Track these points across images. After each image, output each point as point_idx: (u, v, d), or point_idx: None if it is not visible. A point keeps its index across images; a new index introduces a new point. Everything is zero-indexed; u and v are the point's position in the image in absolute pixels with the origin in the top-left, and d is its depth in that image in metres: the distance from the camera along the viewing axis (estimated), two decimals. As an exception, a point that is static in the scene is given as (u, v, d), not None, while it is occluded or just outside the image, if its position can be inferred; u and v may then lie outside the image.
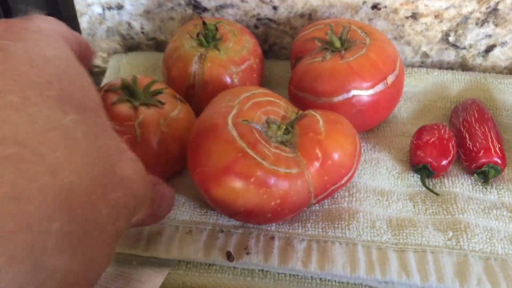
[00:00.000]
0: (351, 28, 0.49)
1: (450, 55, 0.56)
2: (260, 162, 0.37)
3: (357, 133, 0.42)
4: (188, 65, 0.49)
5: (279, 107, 0.42)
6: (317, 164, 0.39)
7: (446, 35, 0.54)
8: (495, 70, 0.56)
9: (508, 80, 0.53)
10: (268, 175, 0.37)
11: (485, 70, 0.56)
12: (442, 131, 0.46)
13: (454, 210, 0.42)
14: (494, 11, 0.52)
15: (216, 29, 0.50)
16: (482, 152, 0.45)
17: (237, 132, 0.38)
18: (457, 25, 0.53)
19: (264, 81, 0.55)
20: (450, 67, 0.57)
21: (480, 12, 0.52)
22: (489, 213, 0.43)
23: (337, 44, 0.48)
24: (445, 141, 0.46)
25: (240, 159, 0.37)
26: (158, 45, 0.60)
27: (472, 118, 0.48)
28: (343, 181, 0.40)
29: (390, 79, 0.47)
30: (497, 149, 0.45)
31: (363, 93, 0.46)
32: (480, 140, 0.46)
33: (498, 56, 0.55)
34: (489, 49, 0.55)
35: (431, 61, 0.57)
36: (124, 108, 0.42)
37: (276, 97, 0.43)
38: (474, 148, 0.46)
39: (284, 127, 0.40)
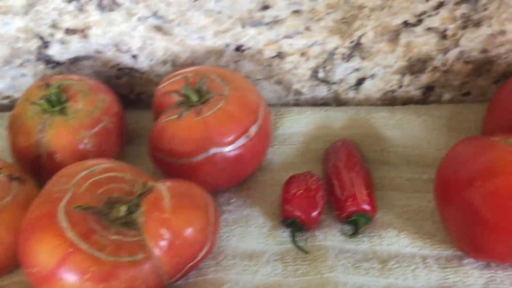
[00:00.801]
0: (209, 78, 0.46)
1: (323, 91, 0.54)
2: (96, 255, 0.33)
3: (212, 202, 0.39)
4: (32, 134, 0.44)
5: (125, 182, 0.38)
6: (165, 245, 0.35)
7: (315, 72, 0.53)
8: (368, 101, 0.55)
9: (379, 113, 0.52)
10: (107, 269, 0.33)
11: (359, 103, 0.55)
12: (310, 181, 0.44)
13: (324, 269, 0.40)
14: (358, 45, 0.50)
15: (62, 91, 0.45)
16: (350, 200, 0.43)
17: (68, 222, 0.34)
18: (324, 61, 0.52)
19: (131, 136, 0.51)
20: (324, 102, 0.55)
21: (345, 47, 0.51)
22: (360, 267, 0.41)
23: (194, 98, 0.45)
24: (312, 192, 0.44)
25: (71, 254, 0.33)
26: (15, 104, 0.55)
27: (340, 163, 0.46)
28: (198, 258, 0.37)
29: (253, 130, 0.44)
30: (364, 196, 0.43)
31: (224, 149, 0.43)
32: (347, 187, 0.44)
33: (370, 88, 0.54)
34: (360, 82, 0.54)
35: (305, 98, 0.55)
36: None
37: (122, 169, 0.39)
38: (342, 196, 0.44)
39: (125, 208, 0.36)
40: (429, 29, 0.49)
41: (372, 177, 0.47)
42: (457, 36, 0.50)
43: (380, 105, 0.55)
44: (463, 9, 0.48)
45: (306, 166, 0.49)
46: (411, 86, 0.54)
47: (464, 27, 0.49)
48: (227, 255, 0.42)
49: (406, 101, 0.55)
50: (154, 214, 0.36)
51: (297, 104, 0.55)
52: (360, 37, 0.50)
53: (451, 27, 0.49)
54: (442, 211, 0.41)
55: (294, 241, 0.42)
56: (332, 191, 0.45)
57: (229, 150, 0.43)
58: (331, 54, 0.51)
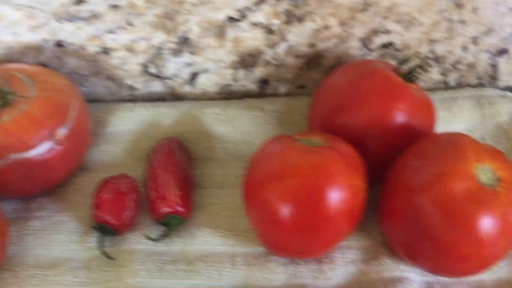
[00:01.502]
0: (15, 78, 0.43)
1: (158, 86, 0.53)
2: None
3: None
4: None
5: None
6: None
7: (145, 67, 0.51)
8: (207, 96, 0.54)
9: (211, 109, 0.52)
10: None
11: (197, 97, 0.54)
12: (122, 184, 0.43)
13: (126, 274, 0.40)
14: (185, 40, 0.49)
15: None
16: (161, 202, 0.43)
17: None
18: (154, 56, 0.50)
19: None
20: (161, 97, 0.54)
21: (172, 42, 0.49)
22: (165, 270, 0.41)
23: (-7, 100, 0.42)
24: (123, 196, 0.43)
25: None
26: None
27: (157, 164, 0.45)
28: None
29: (61, 133, 0.43)
30: (177, 197, 0.43)
31: (25, 155, 0.41)
32: (160, 189, 0.43)
33: (205, 83, 0.53)
34: (194, 76, 0.53)
35: (141, 93, 0.53)
36: None
37: None
38: (155, 198, 0.43)
39: None
40: (254, 24, 0.49)
41: (191, 176, 0.47)
42: (283, 31, 0.49)
43: (218, 99, 0.54)
44: (285, 4, 0.48)
45: (134, 166, 0.48)
46: (247, 80, 0.54)
47: (288, 22, 0.49)
48: (27, 265, 0.40)
49: (244, 95, 0.55)
50: None
51: (133, 100, 0.54)
52: (185, 32, 0.49)
53: (276, 23, 0.49)
54: (247, 209, 0.41)
55: (100, 247, 0.41)
56: (148, 193, 0.44)
57: (32, 155, 0.41)
58: (159, 49, 0.50)
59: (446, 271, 0.40)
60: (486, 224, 0.36)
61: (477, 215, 0.36)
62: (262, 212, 0.39)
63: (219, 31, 0.49)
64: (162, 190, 0.43)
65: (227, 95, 0.55)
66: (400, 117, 0.43)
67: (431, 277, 0.42)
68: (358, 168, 0.40)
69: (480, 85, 0.57)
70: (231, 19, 0.48)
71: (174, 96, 0.54)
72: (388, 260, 0.42)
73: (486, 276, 0.42)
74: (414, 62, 0.46)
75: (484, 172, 0.37)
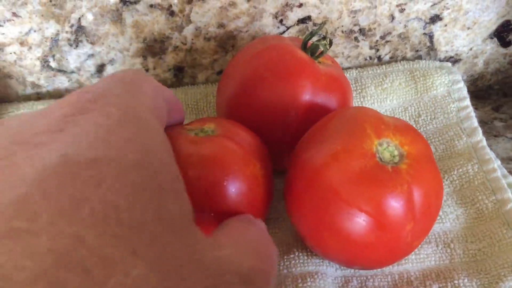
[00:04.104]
0: None
1: (64, 82, 0.49)
2: None
3: None
4: None
5: None
6: None
7: (45, 61, 0.48)
8: (119, 89, 0.51)
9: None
10: None
11: (108, 91, 0.51)
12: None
13: None
14: (80, 29, 0.45)
15: None
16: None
17: None
18: (50, 49, 0.47)
19: None
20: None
21: (67, 32, 0.46)
22: None
23: None
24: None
25: None
26: None
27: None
28: None
29: None
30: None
31: None
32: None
33: (114, 75, 0.50)
34: (100, 69, 0.49)
35: (47, 90, 0.50)
36: None
37: None
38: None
39: None
40: (151, 6, 0.45)
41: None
42: (185, 11, 0.45)
43: (132, 92, 0.51)
44: (183, -19, 0.44)
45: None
46: (159, 69, 0.50)
47: (189, 1, 0.45)
48: None
49: (160, 85, 0.51)
50: None
51: (40, 98, 0.50)
52: (79, 20, 0.45)
53: (176, 3, 0.45)
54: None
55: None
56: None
57: None
58: (55, 40, 0.46)
59: (356, 262, 0.35)
60: (386, 206, 0.31)
61: (374, 196, 0.31)
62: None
63: (116, 16, 0.45)
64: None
65: (140, 87, 0.51)
66: (303, 95, 0.39)
67: (349, 271, 0.38)
68: (256, 155, 0.35)
69: (419, 58, 0.52)
70: (125, 2, 0.44)
71: (83, 92, 0.51)
72: (302, 254, 0.38)
73: (410, 266, 0.38)
74: (319, 35, 0.41)
75: (387, 148, 0.33)
